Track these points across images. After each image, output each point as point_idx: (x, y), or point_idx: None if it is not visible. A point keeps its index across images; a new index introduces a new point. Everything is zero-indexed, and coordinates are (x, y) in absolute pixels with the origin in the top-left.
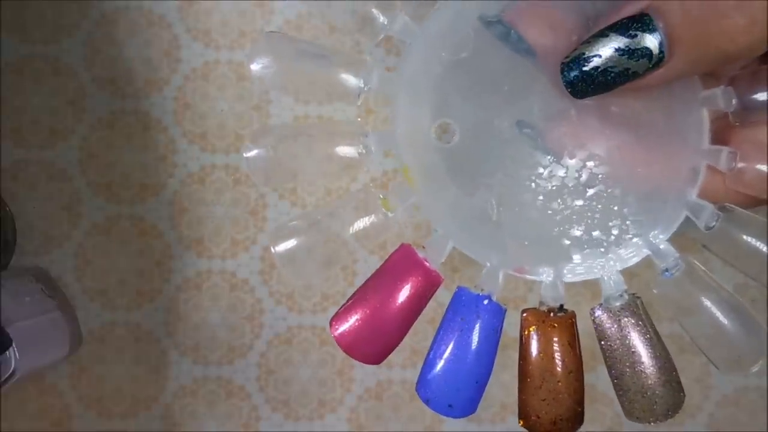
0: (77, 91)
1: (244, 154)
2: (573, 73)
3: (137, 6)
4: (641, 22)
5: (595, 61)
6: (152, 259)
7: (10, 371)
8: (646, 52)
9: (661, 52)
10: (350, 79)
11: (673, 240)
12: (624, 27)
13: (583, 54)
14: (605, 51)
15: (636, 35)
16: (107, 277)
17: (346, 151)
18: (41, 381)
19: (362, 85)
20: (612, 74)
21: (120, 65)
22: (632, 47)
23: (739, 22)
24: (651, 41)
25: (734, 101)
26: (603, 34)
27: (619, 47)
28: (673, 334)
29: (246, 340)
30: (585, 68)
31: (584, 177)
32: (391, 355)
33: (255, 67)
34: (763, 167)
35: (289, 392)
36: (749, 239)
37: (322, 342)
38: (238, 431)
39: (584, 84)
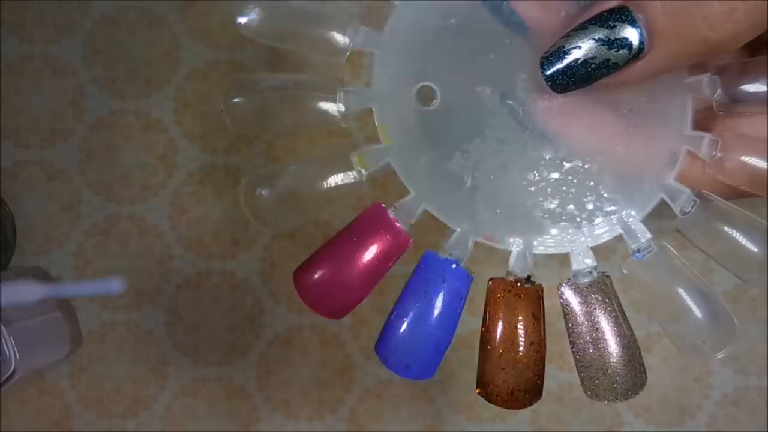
0: (77, 91)
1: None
2: (553, 67)
3: (137, 6)
4: (621, 14)
5: (575, 53)
6: (152, 259)
7: (10, 371)
8: (626, 43)
9: (641, 43)
10: (337, 36)
11: (651, 229)
12: (603, 19)
13: (563, 47)
14: (585, 43)
15: (615, 26)
16: (107, 278)
17: (325, 106)
18: (41, 381)
19: (348, 43)
20: (592, 65)
21: (120, 65)
22: (612, 37)
23: (719, 10)
24: (631, 33)
25: (719, 90)
26: (582, 27)
27: (599, 38)
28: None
29: (246, 340)
30: (565, 61)
31: (562, 150)
32: None
33: (243, 18)
34: (742, 158)
35: (289, 392)
36: (726, 229)
37: (322, 342)
38: (238, 431)
39: (564, 77)
